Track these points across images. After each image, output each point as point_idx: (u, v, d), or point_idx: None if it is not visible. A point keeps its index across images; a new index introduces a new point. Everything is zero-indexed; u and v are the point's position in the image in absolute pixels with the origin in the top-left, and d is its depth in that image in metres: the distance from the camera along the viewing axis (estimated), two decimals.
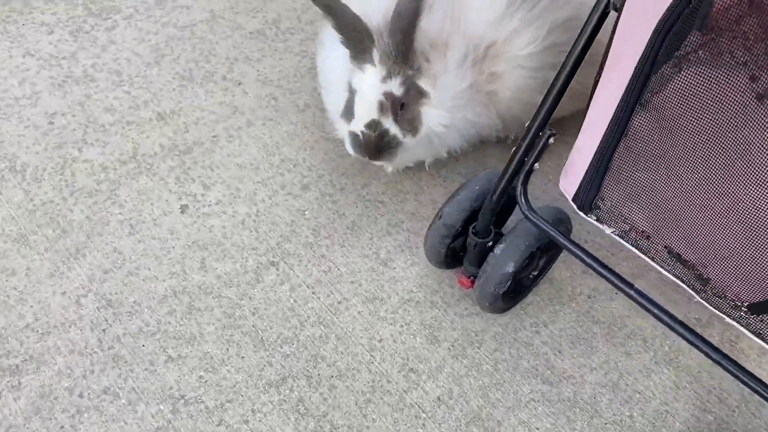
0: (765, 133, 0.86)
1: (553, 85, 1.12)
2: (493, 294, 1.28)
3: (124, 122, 1.72)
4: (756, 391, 1.07)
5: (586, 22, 1.07)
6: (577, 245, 1.15)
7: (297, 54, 1.91)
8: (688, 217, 1.02)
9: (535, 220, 1.16)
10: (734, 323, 1.04)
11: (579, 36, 1.08)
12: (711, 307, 1.06)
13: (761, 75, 0.84)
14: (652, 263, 1.11)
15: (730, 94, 0.87)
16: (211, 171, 1.64)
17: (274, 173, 1.65)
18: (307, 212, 1.58)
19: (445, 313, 1.43)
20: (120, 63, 1.85)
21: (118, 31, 1.94)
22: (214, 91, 1.81)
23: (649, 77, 0.92)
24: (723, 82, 0.87)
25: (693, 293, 1.07)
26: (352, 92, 1.33)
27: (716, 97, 0.89)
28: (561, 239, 1.14)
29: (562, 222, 1.31)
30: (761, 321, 1.00)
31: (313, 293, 1.44)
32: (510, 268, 1.24)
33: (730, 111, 0.88)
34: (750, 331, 1.02)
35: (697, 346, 1.10)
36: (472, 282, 1.39)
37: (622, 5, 0.92)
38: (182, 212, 1.56)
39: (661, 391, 1.34)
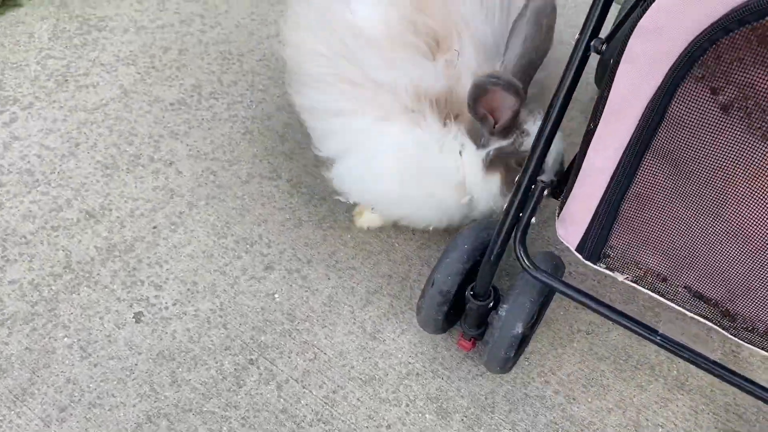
0: (736, 145, 0.83)
1: (539, 135, 1.06)
2: (504, 358, 1.20)
3: (48, 228, 1.53)
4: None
5: (567, 66, 1.02)
6: (604, 303, 1.09)
7: (227, 120, 1.77)
8: (705, 253, 0.98)
9: (544, 279, 1.09)
10: None
11: (561, 81, 1.02)
12: (743, 342, 1.02)
13: (720, 85, 0.80)
14: (672, 305, 1.06)
15: (698, 112, 0.83)
16: (159, 268, 1.48)
17: (230, 258, 1.50)
18: (276, 295, 1.45)
19: (449, 380, 1.33)
20: (30, 161, 1.65)
21: (19, 123, 1.73)
22: (143, 176, 1.64)
23: (661, 122, 0.87)
24: (687, 99, 0.83)
25: (722, 331, 1.03)
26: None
27: (690, 117, 0.85)
28: (594, 305, 1.08)
29: (559, 268, 1.25)
30: None
31: (303, 388, 1.31)
32: (519, 328, 1.17)
33: (705, 131, 0.85)
34: None
35: (713, 372, 1.06)
36: (474, 343, 1.31)
37: (624, 49, 0.86)
38: (137, 321, 1.39)
39: (681, 419, 1.30)
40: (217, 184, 1.64)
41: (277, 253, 1.52)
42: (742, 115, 0.81)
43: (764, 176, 0.84)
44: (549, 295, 1.35)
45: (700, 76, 0.81)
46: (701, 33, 0.77)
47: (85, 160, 1.66)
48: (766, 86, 0.77)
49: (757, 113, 0.79)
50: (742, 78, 0.78)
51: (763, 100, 0.78)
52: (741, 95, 0.80)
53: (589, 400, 1.32)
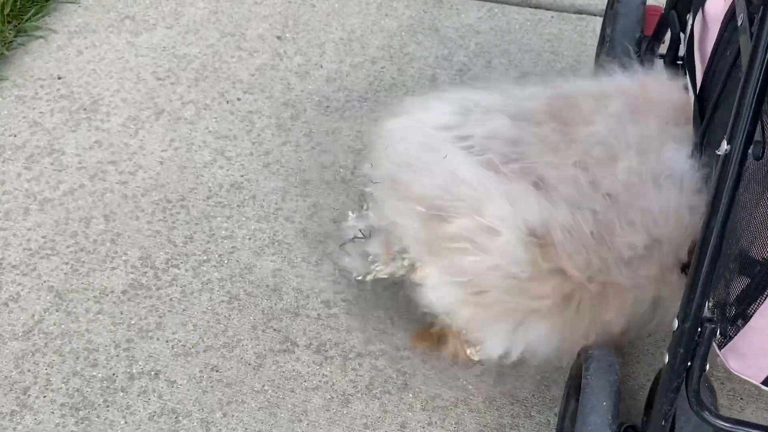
0: None
1: (701, 253, 0.83)
2: None
3: None
4: None
5: (718, 183, 0.79)
6: None
7: (201, 291, 1.43)
8: None
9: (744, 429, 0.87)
10: None
11: (715, 196, 0.80)
12: None
13: None
14: None
15: None
16: None
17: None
18: None
19: None
20: None
21: None
22: (129, 404, 1.27)
23: None
24: None
25: None
26: None
27: None
28: None
29: (715, 398, 1.03)
30: None
31: None
32: None
33: None
34: None
35: None
36: None
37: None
38: None
39: None
40: (226, 383, 1.30)
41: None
42: None
43: None
44: None
45: None
46: None
47: (44, 408, 1.27)
48: None
49: None
50: None
51: None
52: None
53: None
